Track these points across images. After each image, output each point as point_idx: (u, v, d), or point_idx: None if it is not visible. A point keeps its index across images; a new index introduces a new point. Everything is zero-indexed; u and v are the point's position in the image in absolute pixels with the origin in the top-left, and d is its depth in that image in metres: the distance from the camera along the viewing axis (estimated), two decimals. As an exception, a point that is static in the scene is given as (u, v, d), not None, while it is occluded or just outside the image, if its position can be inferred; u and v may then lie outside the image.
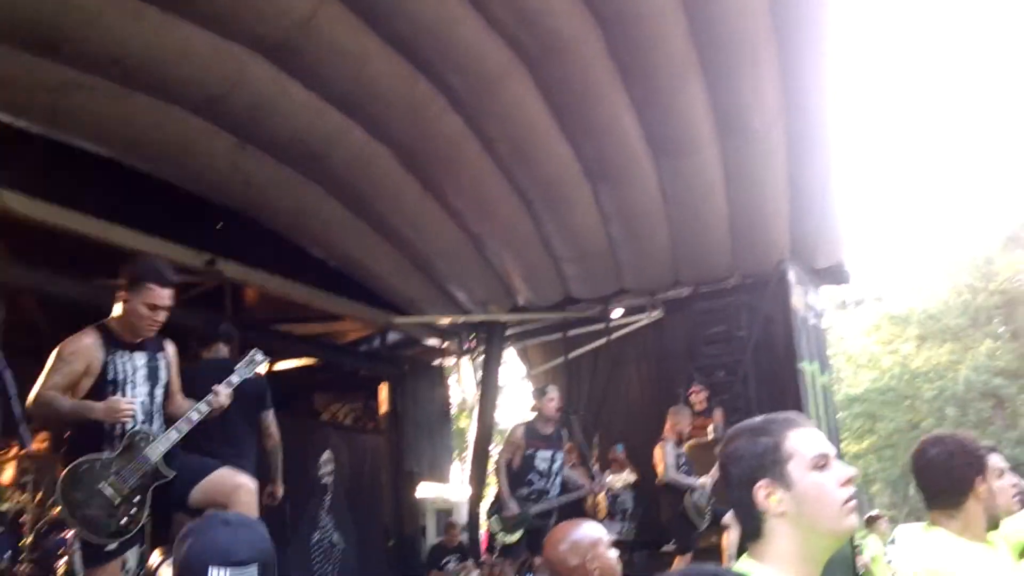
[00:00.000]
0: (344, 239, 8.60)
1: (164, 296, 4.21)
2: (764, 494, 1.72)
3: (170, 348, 4.45)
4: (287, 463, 8.31)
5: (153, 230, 7.30)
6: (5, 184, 6.54)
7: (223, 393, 4.32)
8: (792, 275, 9.02)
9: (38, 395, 4.00)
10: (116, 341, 4.18)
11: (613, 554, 3.21)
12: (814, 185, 8.52)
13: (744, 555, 1.80)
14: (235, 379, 4.43)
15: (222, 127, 6.67)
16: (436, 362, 11.64)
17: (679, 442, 8.34)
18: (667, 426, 8.34)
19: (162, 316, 4.24)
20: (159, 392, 4.30)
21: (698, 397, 9.34)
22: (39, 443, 7.64)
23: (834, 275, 10.05)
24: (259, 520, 1.92)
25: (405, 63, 6.65)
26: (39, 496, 7.49)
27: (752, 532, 1.75)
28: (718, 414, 9.32)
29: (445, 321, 10.94)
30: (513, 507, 7.11)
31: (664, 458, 8.04)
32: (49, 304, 8.59)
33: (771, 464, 1.75)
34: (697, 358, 10.01)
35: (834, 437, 9.50)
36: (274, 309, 9.89)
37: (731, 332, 9.90)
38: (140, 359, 4.24)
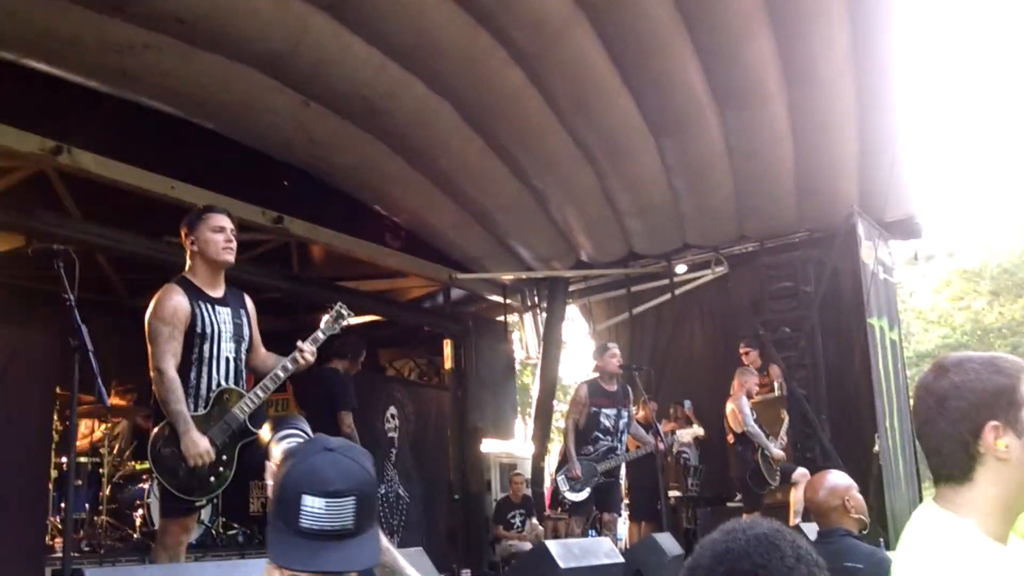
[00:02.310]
0: (407, 196, 8.62)
1: (223, 217, 4.27)
2: (993, 436, 1.61)
3: (250, 303, 4.46)
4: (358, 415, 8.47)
5: (221, 188, 7.38)
6: (78, 143, 6.66)
7: (307, 351, 4.22)
8: (861, 229, 8.83)
9: (163, 372, 3.99)
10: (199, 293, 4.17)
11: (861, 496, 3.71)
12: (884, 136, 8.30)
13: (931, 500, 1.70)
14: (320, 336, 4.32)
15: (286, 84, 6.70)
16: (500, 318, 11.68)
17: (749, 398, 8.29)
18: (735, 385, 8.29)
19: (232, 236, 4.25)
20: (244, 349, 4.29)
21: (749, 357, 9.25)
22: (116, 398, 7.84)
23: (905, 229, 9.83)
24: (366, 451, 1.78)
25: (466, 16, 6.59)
26: (116, 449, 7.71)
27: (959, 474, 1.65)
28: (775, 370, 9.24)
29: (508, 278, 10.95)
30: (576, 469, 7.10)
31: (741, 409, 8.01)
32: (121, 261, 8.80)
33: (1005, 405, 1.61)
34: (762, 314, 9.92)
35: (903, 394, 9.33)
36: (339, 266, 9.99)
37: (797, 287, 9.78)
38: (225, 314, 4.22)
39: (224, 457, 4.07)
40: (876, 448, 8.48)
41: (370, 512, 1.69)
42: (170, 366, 4.00)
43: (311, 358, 4.26)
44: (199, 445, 3.97)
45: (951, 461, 1.64)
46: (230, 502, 4.79)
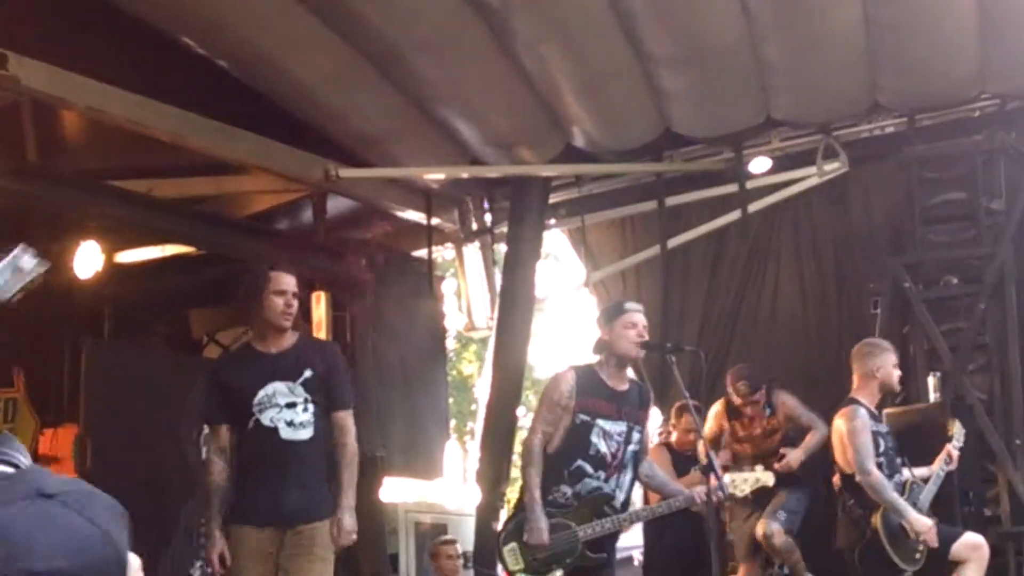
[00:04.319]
0: (242, 19, 8.57)
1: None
2: None
3: None
4: (152, 429, 8.55)
5: None
6: None
7: None
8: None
9: None
10: None
11: None
12: None
13: None
14: None
15: None
16: (418, 253, 11.73)
17: (880, 407, 8.28)
18: (856, 377, 8.26)
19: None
20: None
21: (740, 390, 9.40)
22: None
23: None
24: (110, 501, 1.82)
25: None
26: None
27: None
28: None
29: (435, 177, 10.97)
30: (543, 529, 7.09)
31: (852, 438, 7.91)
32: None
33: None
34: (909, 249, 10.01)
35: None
36: (112, 151, 9.91)
37: (974, 201, 9.86)
38: None
39: None
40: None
41: None
42: None
43: None
44: None
45: None
46: None
